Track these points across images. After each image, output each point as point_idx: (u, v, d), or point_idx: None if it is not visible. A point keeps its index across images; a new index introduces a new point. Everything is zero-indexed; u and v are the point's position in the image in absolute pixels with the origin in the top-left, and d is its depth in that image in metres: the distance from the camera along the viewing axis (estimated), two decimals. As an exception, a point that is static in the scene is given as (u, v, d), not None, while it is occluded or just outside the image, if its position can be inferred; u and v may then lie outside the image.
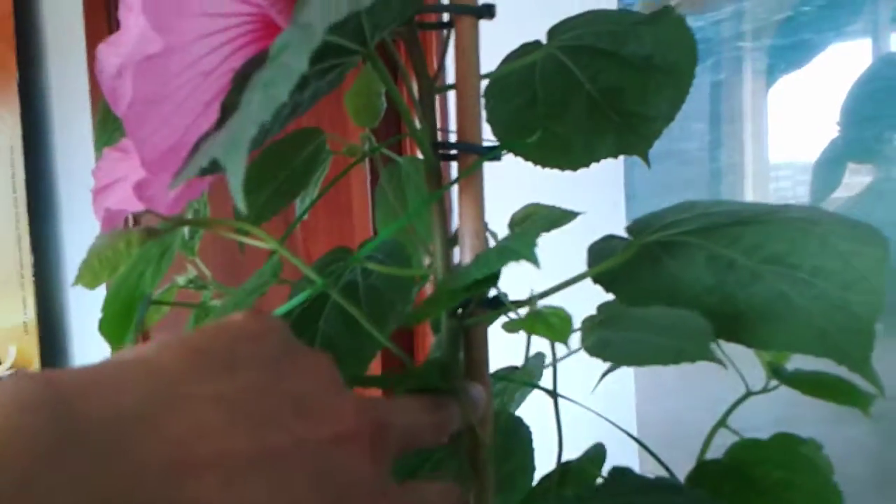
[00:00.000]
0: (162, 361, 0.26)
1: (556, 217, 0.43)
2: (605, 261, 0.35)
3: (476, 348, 0.38)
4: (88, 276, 0.29)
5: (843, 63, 0.78)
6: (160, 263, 0.37)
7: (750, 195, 0.86)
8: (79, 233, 1.86)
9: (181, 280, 0.50)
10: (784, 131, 0.83)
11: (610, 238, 0.39)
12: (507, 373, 0.50)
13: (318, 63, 0.29)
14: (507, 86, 0.45)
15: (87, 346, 1.85)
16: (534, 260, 0.30)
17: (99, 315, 0.44)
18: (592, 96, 0.46)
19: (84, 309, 1.88)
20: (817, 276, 0.33)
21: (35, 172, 1.88)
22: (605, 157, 0.47)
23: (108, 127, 0.39)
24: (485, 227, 0.38)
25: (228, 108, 0.26)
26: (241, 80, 0.27)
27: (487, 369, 0.39)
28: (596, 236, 0.45)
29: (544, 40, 0.44)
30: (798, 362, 0.44)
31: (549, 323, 0.33)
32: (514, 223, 0.43)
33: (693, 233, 0.34)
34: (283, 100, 0.20)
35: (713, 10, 0.78)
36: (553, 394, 0.44)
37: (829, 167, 0.79)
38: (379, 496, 0.29)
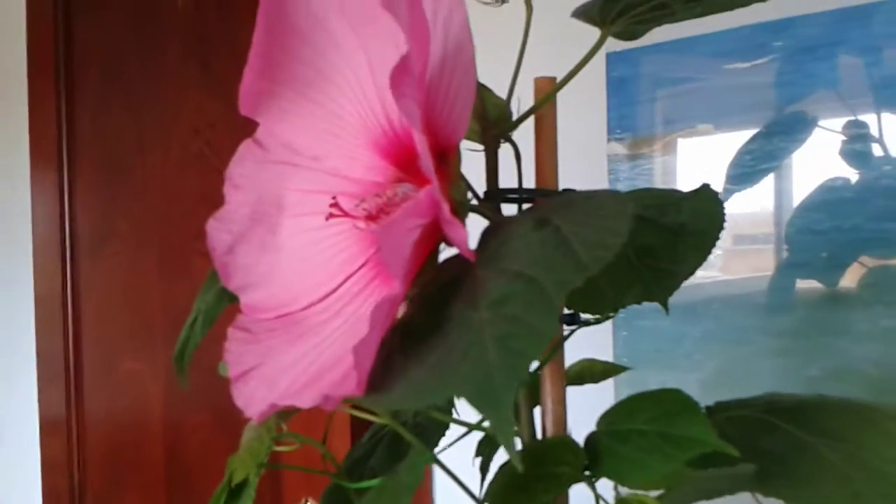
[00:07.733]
0: None
1: (610, 371, 0.47)
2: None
3: None
4: (241, 470, 0.31)
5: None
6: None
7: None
8: None
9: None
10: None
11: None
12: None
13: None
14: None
15: None
16: None
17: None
18: (627, 254, 0.50)
19: None
20: (864, 450, 0.38)
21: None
22: (630, 303, 0.51)
23: (213, 283, 0.41)
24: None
25: (414, 327, 0.29)
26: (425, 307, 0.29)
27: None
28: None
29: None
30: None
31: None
32: (568, 377, 0.46)
33: (757, 409, 0.38)
34: (534, 360, 0.23)
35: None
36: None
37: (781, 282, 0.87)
38: None
